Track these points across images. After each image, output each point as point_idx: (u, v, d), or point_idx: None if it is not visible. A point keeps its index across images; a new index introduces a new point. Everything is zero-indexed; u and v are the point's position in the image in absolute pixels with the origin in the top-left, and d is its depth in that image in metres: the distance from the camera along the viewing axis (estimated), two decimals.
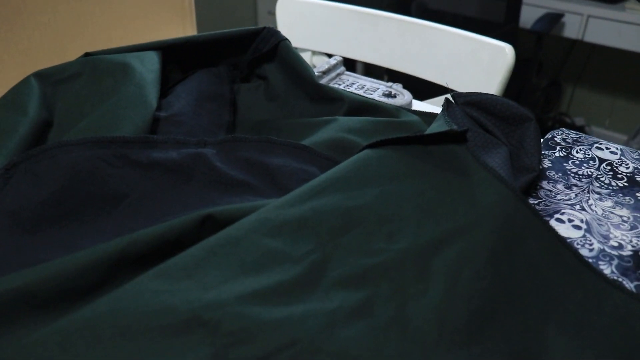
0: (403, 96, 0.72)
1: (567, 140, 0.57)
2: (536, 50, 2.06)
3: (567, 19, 1.95)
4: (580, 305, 0.37)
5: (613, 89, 2.35)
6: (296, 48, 0.74)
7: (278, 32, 0.70)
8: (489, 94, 0.54)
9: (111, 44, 0.87)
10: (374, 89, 0.74)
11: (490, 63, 0.88)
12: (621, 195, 0.49)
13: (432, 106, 0.73)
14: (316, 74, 0.74)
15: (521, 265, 0.38)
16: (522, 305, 0.36)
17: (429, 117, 0.63)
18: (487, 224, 0.40)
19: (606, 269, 0.40)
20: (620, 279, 0.39)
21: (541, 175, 0.52)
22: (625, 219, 0.46)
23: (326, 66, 0.76)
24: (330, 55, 1.11)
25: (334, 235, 0.38)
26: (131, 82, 0.57)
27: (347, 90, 0.69)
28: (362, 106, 0.63)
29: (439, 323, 0.33)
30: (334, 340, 0.31)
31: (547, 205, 0.47)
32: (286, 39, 0.70)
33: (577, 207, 0.47)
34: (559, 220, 0.45)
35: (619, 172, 0.52)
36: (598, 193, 0.49)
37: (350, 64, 0.81)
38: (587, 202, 0.48)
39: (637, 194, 0.49)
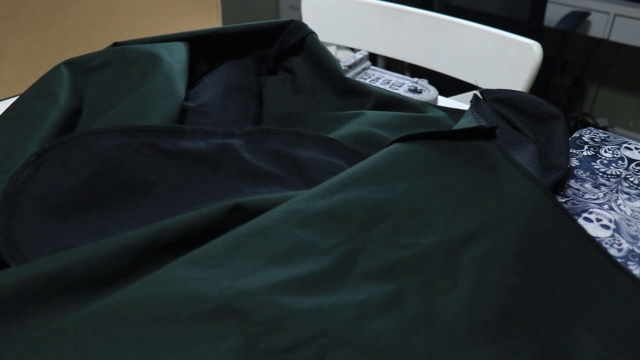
0: (429, 92, 0.72)
1: (595, 139, 0.57)
2: (560, 49, 2.03)
3: (592, 17, 1.92)
4: (609, 305, 0.36)
5: (638, 90, 2.32)
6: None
7: (305, 25, 0.70)
8: (518, 91, 0.54)
9: (136, 35, 0.88)
10: (399, 84, 0.73)
11: (516, 60, 0.88)
12: None
13: (458, 102, 0.73)
14: (342, 68, 0.74)
15: (549, 262, 0.38)
16: (550, 302, 0.36)
17: (455, 113, 0.62)
18: (515, 220, 0.39)
19: (635, 270, 0.40)
20: None
21: (569, 173, 0.51)
22: None
23: (352, 60, 0.76)
24: (354, 50, 1.11)
25: (363, 228, 0.38)
26: (160, 72, 0.57)
27: (373, 85, 0.69)
28: (388, 101, 0.63)
29: (467, 318, 0.33)
30: (364, 332, 0.31)
31: (574, 204, 0.47)
32: (313, 32, 0.70)
33: (606, 206, 0.47)
34: (586, 219, 0.45)
35: None
36: (627, 193, 0.49)
37: (371, 59, 0.81)
38: (616, 202, 0.47)
39: None
